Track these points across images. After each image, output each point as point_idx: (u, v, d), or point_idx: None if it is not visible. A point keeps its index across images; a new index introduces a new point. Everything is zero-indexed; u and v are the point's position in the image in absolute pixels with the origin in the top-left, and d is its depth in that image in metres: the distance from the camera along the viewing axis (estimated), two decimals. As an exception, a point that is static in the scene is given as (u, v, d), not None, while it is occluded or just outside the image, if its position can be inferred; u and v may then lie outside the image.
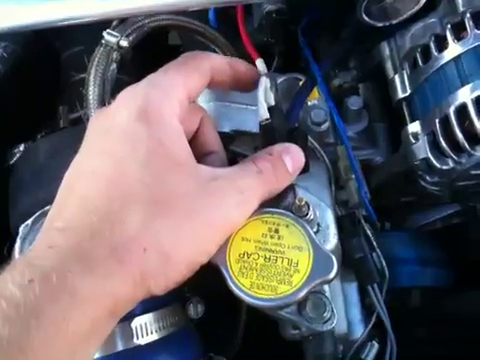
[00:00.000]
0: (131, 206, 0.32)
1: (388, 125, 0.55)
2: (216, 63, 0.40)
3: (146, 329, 0.39)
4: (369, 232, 0.48)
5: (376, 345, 0.50)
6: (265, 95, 0.42)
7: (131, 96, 0.36)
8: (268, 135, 0.40)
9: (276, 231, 0.36)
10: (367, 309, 0.51)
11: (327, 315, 0.37)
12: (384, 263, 0.49)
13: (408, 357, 0.51)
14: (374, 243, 0.48)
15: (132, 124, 0.34)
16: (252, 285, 0.35)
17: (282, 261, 0.35)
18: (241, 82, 0.42)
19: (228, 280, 0.35)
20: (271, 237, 0.36)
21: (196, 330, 0.45)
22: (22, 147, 0.67)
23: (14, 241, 0.53)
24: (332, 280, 0.35)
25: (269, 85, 0.43)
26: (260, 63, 0.50)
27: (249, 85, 0.43)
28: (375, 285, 0.49)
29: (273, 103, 0.42)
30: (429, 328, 0.58)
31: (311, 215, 0.37)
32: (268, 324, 0.47)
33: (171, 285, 0.33)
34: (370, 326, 0.49)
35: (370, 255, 0.48)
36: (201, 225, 0.33)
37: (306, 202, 0.36)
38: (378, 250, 0.48)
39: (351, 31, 0.54)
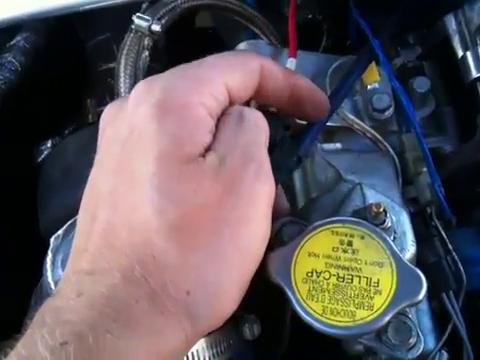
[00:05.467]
0: (156, 240, 0.27)
1: (456, 109, 0.49)
2: (267, 66, 0.33)
3: (199, 357, 0.34)
4: (443, 233, 0.42)
5: (445, 355, 0.45)
6: None
7: (150, 88, 0.30)
8: None
9: (349, 244, 0.31)
10: (437, 316, 0.46)
11: (412, 341, 0.32)
12: (461, 267, 0.43)
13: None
14: (449, 245, 0.42)
15: (148, 127, 0.28)
16: (324, 310, 0.29)
17: (359, 280, 0.30)
18: (299, 105, 0.35)
19: (295, 304, 0.30)
20: (344, 251, 0.30)
21: (251, 351, 0.40)
22: (49, 143, 0.64)
23: (46, 246, 0.49)
24: (420, 302, 0.29)
25: None
26: (291, 63, 0.44)
27: (310, 112, 0.36)
28: (451, 292, 0.43)
29: None
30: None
31: (388, 222, 0.32)
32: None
33: (228, 315, 0.28)
34: (445, 338, 0.44)
35: (445, 259, 0.42)
36: (237, 228, 0.28)
37: (384, 209, 0.31)
38: (454, 253, 0.42)
39: (411, 2, 0.48)
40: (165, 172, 0.27)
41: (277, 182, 0.31)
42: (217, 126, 0.30)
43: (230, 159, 0.29)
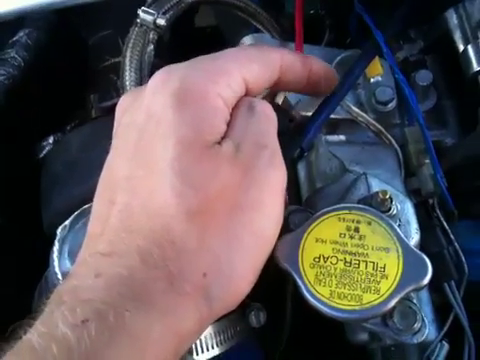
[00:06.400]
0: (175, 224, 0.27)
1: (457, 102, 0.49)
2: (287, 57, 0.34)
3: (206, 344, 0.34)
4: (445, 224, 0.43)
5: (446, 346, 0.45)
6: None
7: (168, 78, 0.30)
8: None
9: (356, 230, 0.31)
10: (437, 307, 0.46)
11: (417, 326, 0.32)
12: (463, 258, 0.43)
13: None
14: (451, 236, 0.43)
15: (167, 114, 0.29)
16: (332, 294, 0.30)
17: (366, 265, 0.30)
18: (316, 87, 0.37)
19: (302, 289, 0.30)
20: (351, 237, 0.31)
21: (257, 339, 0.40)
22: (51, 139, 0.64)
23: (49, 241, 0.49)
24: (426, 286, 0.30)
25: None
26: None
27: (325, 90, 0.38)
28: (452, 282, 0.43)
29: None
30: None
31: (394, 210, 0.32)
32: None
33: (242, 298, 0.29)
34: (446, 328, 0.44)
35: (447, 249, 0.42)
36: (252, 213, 0.29)
37: (390, 196, 0.31)
38: (456, 243, 0.43)
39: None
40: (185, 157, 0.28)
41: None
42: (230, 115, 0.31)
43: (245, 146, 0.29)
